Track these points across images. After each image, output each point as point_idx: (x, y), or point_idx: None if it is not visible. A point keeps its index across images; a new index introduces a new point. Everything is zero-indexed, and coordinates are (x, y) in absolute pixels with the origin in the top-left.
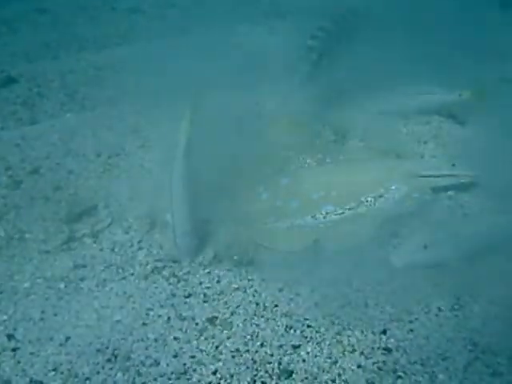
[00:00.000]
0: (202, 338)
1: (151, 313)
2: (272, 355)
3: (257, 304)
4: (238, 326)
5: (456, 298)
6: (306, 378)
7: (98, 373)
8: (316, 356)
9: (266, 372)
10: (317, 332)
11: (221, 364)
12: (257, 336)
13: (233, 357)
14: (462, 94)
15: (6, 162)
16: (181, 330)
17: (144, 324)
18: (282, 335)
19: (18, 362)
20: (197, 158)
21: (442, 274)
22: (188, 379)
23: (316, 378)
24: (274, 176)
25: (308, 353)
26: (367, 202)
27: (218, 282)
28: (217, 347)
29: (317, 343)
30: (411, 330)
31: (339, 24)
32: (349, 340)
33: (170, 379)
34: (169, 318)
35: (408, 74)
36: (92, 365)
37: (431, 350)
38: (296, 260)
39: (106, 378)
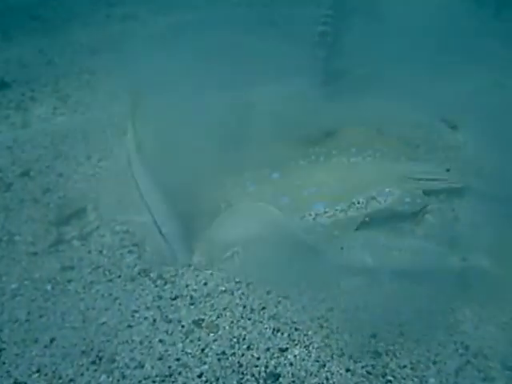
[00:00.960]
0: (188, 340)
1: (137, 315)
2: (259, 358)
3: (244, 306)
4: (224, 328)
5: (447, 301)
6: (293, 382)
7: (82, 375)
8: (303, 359)
9: (253, 375)
10: (305, 335)
11: (206, 367)
12: (243, 339)
13: (219, 360)
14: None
15: None
16: (166, 332)
17: (129, 326)
18: (269, 338)
19: (3, 363)
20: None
21: (433, 278)
22: (173, 382)
23: (303, 382)
24: (263, 169)
25: (295, 356)
26: (358, 203)
27: (205, 284)
28: (202, 350)
29: (304, 346)
30: (401, 334)
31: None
32: (337, 343)
33: (154, 382)
34: (154, 320)
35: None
36: (76, 366)
37: (421, 353)
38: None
39: (90, 380)
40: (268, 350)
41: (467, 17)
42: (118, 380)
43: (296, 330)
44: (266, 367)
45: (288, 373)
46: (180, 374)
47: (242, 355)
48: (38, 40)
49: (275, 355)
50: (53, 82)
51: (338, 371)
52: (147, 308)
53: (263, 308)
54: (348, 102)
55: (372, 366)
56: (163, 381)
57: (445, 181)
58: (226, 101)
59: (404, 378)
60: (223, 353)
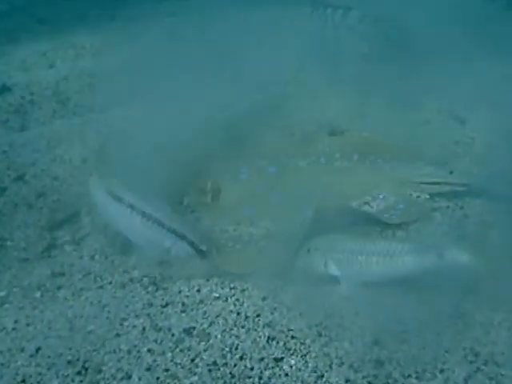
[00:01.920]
0: (178, 349)
1: (126, 323)
2: (252, 369)
3: (238, 314)
4: (216, 337)
5: (455, 305)
6: None
7: None
8: (300, 370)
9: None
10: (301, 344)
11: (196, 378)
12: (236, 348)
13: (209, 370)
14: None
15: None
16: (155, 341)
17: (117, 335)
18: (264, 347)
19: None
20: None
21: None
22: None
23: None
24: (260, 161)
25: (291, 366)
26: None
27: (198, 290)
28: (192, 360)
29: (301, 356)
30: (405, 341)
31: None
32: (336, 352)
33: None
34: (144, 329)
35: None
36: (61, 377)
37: (427, 361)
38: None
39: None
40: (262, 359)
41: (479, 9)
42: None
43: (292, 338)
44: (260, 378)
45: None
46: None
47: (235, 365)
48: (42, 43)
49: (270, 365)
50: (53, 85)
51: (336, 382)
52: (136, 316)
53: (258, 315)
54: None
55: (374, 375)
56: None
57: (449, 184)
58: None
59: None
60: (214, 363)
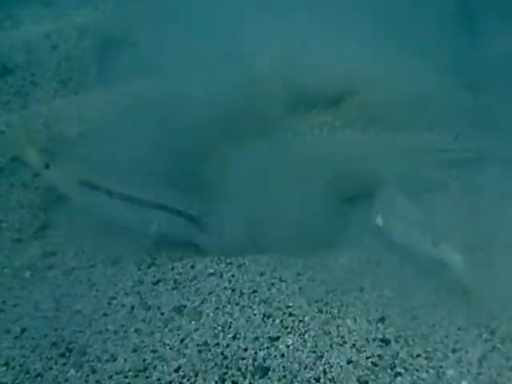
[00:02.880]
0: (167, 329)
1: (114, 302)
2: (246, 349)
3: (232, 290)
4: (208, 315)
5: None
6: (285, 377)
7: (51, 369)
8: (297, 350)
9: (238, 369)
10: (300, 321)
11: (185, 360)
12: (229, 327)
13: (199, 351)
14: None
15: None
16: (144, 320)
17: (105, 314)
18: (259, 326)
19: None
20: None
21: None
22: (147, 377)
23: (296, 377)
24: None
25: (288, 346)
26: None
27: (193, 267)
28: (182, 340)
29: (299, 334)
30: (414, 318)
31: None
32: (338, 330)
33: (126, 377)
34: (132, 308)
35: None
36: (45, 360)
37: (438, 340)
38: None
39: (57, 374)
40: (257, 339)
41: None
42: (88, 375)
43: (290, 315)
44: (254, 360)
45: (279, 366)
46: (155, 368)
47: (227, 346)
48: (46, 26)
49: (265, 345)
50: (55, 66)
51: (337, 363)
52: (126, 294)
53: (254, 291)
54: None
55: (379, 355)
56: (136, 376)
57: (455, 150)
58: None
59: (417, 370)
60: (205, 343)
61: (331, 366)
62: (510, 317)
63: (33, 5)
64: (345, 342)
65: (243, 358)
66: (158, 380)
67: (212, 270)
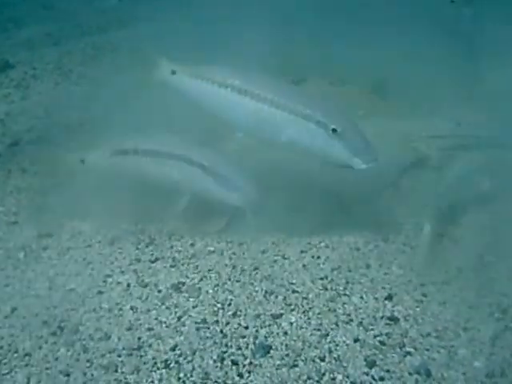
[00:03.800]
0: (164, 307)
1: (109, 280)
2: (246, 327)
3: (233, 267)
4: (207, 292)
5: (479, 257)
6: (287, 355)
7: (40, 348)
8: (301, 327)
9: (239, 348)
10: (304, 298)
11: (182, 338)
12: (229, 304)
13: (197, 329)
14: None
15: None
16: (140, 298)
17: (99, 292)
18: (260, 303)
19: None
20: None
21: (461, 228)
22: (141, 356)
23: (299, 355)
24: None
25: (291, 323)
26: None
27: (192, 245)
28: (179, 318)
29: (303, 312)
30: (424, 295)
31: None
32: (344, 308)
33: (119, 356)
34: (128, 285)
35: None
36: (35, 338)
37: (449, 319)
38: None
39: (47, 353)
40: (258, 316)
41: None
42: (79, 354)
43: (293, 292)
44: (255, 338)
45: (281, 344)
46: (150, 346)
47: (227, 324)
48: (48, 26)
49: (266, 323)
50: (56, 60)
51: (343, 341)
52: (122, 272)
53: (256, 268)
54: None
55: (387, 334)
56: (130, 354)
57: (457, 137)
58: None
59: (427, 350)
60: (204, 321)
61: (337, 345)
62: None
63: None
64: (351, 320)
65: (244, 336)
66: (153, 359)
67: (212, 248)
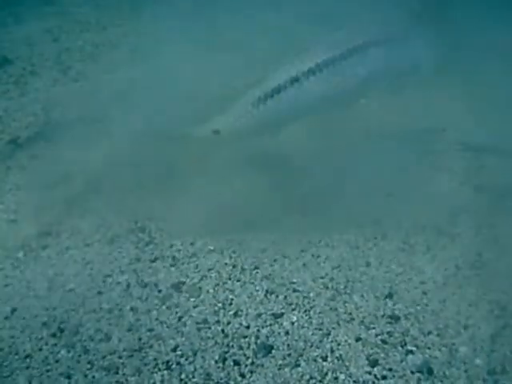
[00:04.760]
0: (164, 307)
1: (109, 280)
2: (248, 327)
3: (233, 266)
4: (207, 292)
5: (477, 254)
6: (289, 355)
7: (41, 349)
8: (303, 327)
9: (240, 348)
10: (305, 297)
11: (183, 339)
12: (230, 304)
13: (198, 329)
14: None
15: None
16: (140, 298)
17: (99, 293)
18: (261, 302)
19: None
20: None
21: (459, 224)
22: (142, 357)
23: (301, 355)
24: None
25: (293, 323)
26: None
27: (192, 244)
28: (180, 318)
29: (304, 311)
30: (424, 293)
31: None
32: (345, 306)
33: (120, 357)
34: (128, 285)
35: None
36: (35, 340)
37: (449, 316)
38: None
39: (47, 355)
40: (259, 316)
41: None
42: (80, 355)
43: (294, 291)
44: (257, 337)
45: (283, 344)
46: (151, 347)
47: (228, 323)
48: (47, 22)
49: (268, 322)
50: (55, 56)
51: (345, 340)
52: (122, 272)
53: (256, 267)
54: None
55: (388, 332)
56: (131, 356)
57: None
58: None
59: (429, 348)
60: (205, 321)
61: (339, 344)
62: None
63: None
64: (352, 319)
65: (245, 336)
66: (155, 360)
67: (212, 247)
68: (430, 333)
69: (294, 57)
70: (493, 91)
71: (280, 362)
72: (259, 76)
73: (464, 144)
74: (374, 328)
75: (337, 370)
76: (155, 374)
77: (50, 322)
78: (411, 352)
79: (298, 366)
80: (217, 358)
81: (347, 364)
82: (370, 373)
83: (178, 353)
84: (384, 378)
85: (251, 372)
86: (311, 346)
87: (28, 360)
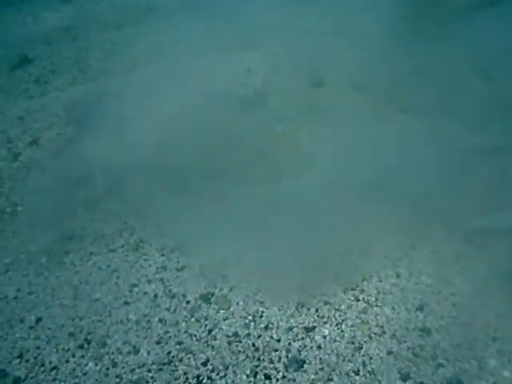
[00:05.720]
0: (193, 319)
1: (136, 289)
2: (279, 340)
3: (263, 276)
4: (237, 303)
5: (506, 264)
6: (322, 369)
7: (67, 361)
8: (335, 341)
9: (271, 362)
10: (336, 310)
11: (213, 352)
12: (260, 316)
13: (229, 343)
14: None
15: (7, 135)
16: (168, 309)
17: (126, 303)
18: (292, 315)
19: None
20: None
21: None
22: (172, 371)
23: (334, 370)
24: None
25: (324, 337)
26: None
27: (220, 252)
28: (210, 331)
29: (336, 324)
30: (453, 305)
31: None
32: (377, 319)
33: (149, 371)
34: (155, 296)
35: None
36: (62, 352)
37: (479, 329)
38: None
39: (75, 367)
40: (291, 329)
41: None
42: (108, 368)
43: (326, 303)
44: (288, 351)
45: (315, 358)
46: (181, 361)
47: (259, 337)
48: (66, 21)
49: (299, 336)
50: (75, 55)
51: (377, 354)
52: (148, 281)
53: (286, 277)
54: None
55: (420, 346)
56: (160, 369)
57: None
58: None
59: (459, 361)
60: (235, 334)
61: (371, 358)
62: None
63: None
64: (384, 332)
65: (276, 350)
66: (185, 374)
67: (240, 254)
68: (459, 345)
69: None
70: None
71: (312, 376)
72: None
73: None
74: (405, 341)
75: None
76: None
77: (76, 333)
78: (442, 365)
79: (331, 380)
80: (248, 372)
81: (379, 378)
82: None
83: (209, 367)
84: None
85: None
86: (344, 361)
87: (54, 372)
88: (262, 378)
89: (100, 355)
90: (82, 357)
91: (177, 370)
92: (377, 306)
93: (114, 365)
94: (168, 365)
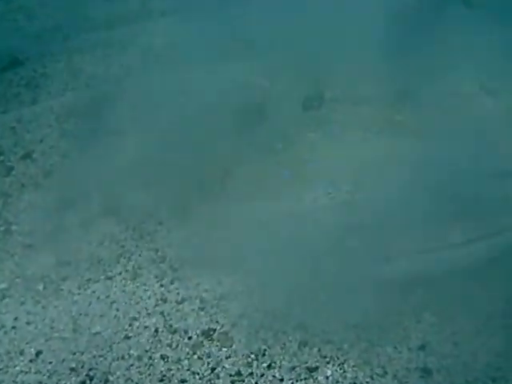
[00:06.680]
0: (196, 356)
1: (136, 323)
2: (282, 380)
3: (265, 312)
4: (239, 341)
5: (506, 301)
6: None
7: None
8: (337, 382)
9: None
10: (338, 349)
11: None
12: (263, 355)
13: (232, 382)
14: None
15: None
16: (170, 345)
17: (127, 337)
18: (295, 354)
19: None
20: None
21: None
22: None
23: None
24: None
25: (327, 377)
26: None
27: (220, 283)
28: (213, 369)
29: (339, 364)
30: (455, 344)
31: None
32: (378, 359)
33: None
34: (156, 330)
35: None
36: None
37: (480, 368)
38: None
39: None
40: (293, 369)
41: None
42: None
43: (328, 342)
44: None
45: None
46: None
47: (262, 376)
48: (57, 18)
49: (302, 376)
50: (66, 58)
51: None
52: (148, 314)
53: (287, 314)
54: None
55: None
56: None
57: None
58: None
59: None
60: (238, 373)
61: None
62: None
63: None
64: (386, 373)
65: None
66: None
67: (241, 288)
68: None
69: None
70: None
71: None
72: None
73: None
74: (406, 382)
75: None
76: None
77: (78, 368)
78: None
79: None
80: None
81: None
82: None
83: None
84: None
85: None
86: None
87: None
88: None
89: None
90: None
91: None
92: (379, 345)
93: None
94: None
